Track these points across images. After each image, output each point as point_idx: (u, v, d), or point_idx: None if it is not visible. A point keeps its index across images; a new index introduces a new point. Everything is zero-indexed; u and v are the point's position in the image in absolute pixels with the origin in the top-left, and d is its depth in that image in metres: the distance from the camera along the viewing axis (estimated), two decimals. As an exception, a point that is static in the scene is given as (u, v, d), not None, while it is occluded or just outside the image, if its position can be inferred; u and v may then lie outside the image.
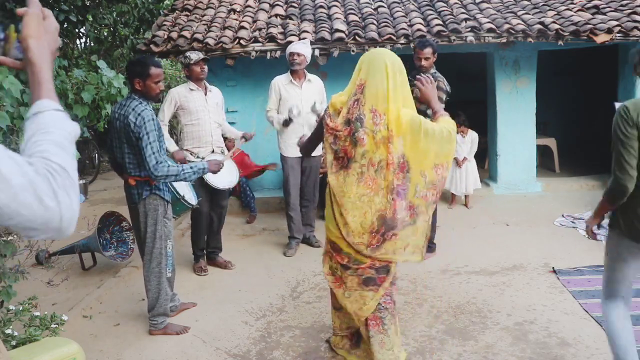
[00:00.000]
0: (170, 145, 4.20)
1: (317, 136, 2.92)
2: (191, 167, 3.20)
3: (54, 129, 0.96)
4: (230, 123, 4.91)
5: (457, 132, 6.11)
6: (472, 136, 6.27)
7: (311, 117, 4.79)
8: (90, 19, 8.40)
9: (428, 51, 4.35)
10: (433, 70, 4.40)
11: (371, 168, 2.52)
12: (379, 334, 2.72)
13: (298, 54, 4.70)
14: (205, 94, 4.36)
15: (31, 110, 0.99)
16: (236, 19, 6.45)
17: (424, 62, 4.36)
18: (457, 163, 6.13)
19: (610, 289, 2.51)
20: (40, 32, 1.06)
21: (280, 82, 4.82)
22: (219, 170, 3.51)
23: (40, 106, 0.99)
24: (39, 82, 1.02)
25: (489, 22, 5.92)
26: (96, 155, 9.59)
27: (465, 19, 6.06)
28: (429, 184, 2.58)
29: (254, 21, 6.34)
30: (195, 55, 4.28)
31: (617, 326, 2.44)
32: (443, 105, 4.33)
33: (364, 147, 2.51)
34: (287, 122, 4.70)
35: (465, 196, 6.25)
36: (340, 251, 2.70)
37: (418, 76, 2.88)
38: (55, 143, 0.94)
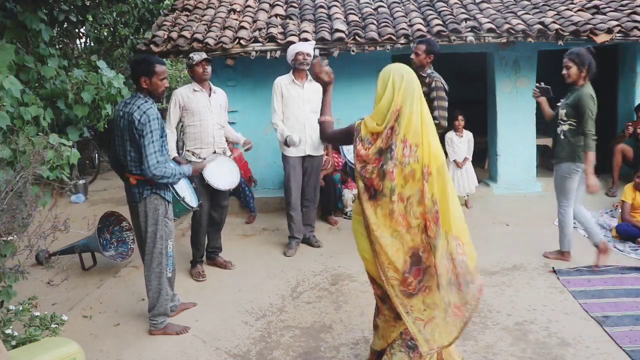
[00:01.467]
0: (171, 150, 4.22)
1: (343, 138, 2.64)
2: (181, 171, 3.32)
3: None
4: (230, 123, 4.91)
5: (454, 132, 6.23)
6: (468, 136, 6.34)
7: (313, 118, 4.80)
8: (90, 19, 8.40)
9: (421, 47, 4.41)
10: (430, 70, 4.42)
11: (401, 204, 2.31)
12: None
13: (308, 54, 4.73)
14: (209, 95, 4.35)
15: None
16: (236, 19, 6.45)
17: (412, 56, 4.44)
18: (457, 164, 6.16)
19: (568, 200, 4.22)
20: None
21: (283, 82, 4.83)
22: (197, 172, 3.71)
23: None
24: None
25: (489, 22, 5.92)
26: (96, 155, 9.59)
27: (465, 19, 6.06)
28: (447, 254, 2.34)
29: (254, 21, 6.34)
30: (197, 56, 4.27)
31: (578, 213, 4.26)
32: (446, 104, 4.35)
33: (394, 181, 2.29)
34: (287, 144, 4.74)
35: (467, 195, 6.26)
36: (374, 282, 2.55)
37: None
38: None
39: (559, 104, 4.27)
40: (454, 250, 2.35)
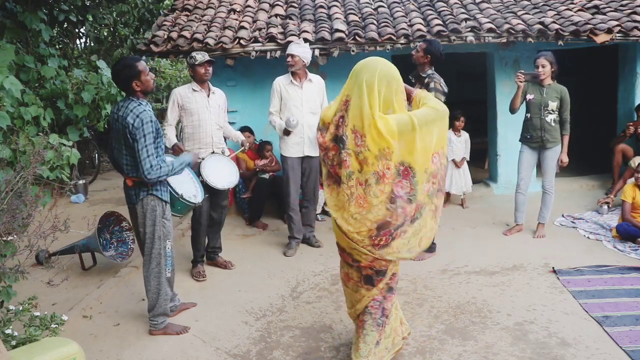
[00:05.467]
0: (171, 139, 4.23)
1: None
2: (180, 163, 3.32)
3: None
4: (230, 123, 4.91)
5: (453, 132, 6.25)
6: (465, 137, 6.38)
7: (311, 119, 4.80)
8: (90, 19, 8.41)
9: (420, 45, 4.46)
10: (430, 71, 4.41)
11: (359, 187, 2.47)
12: (357, 336, 2.75)
13: (292, 56, 4.71)
14: (208, 96, 4.35)
15: None
16: (236, 19, 6.45)
17: (413, 52, 4.50)
18: (456, 164, 6.17)
19: (519, 179, 5.12)
20: None
21: (282, 82, 4.83)
22: (196, 162, 3.74)
23: None
24: None
25: (489, 22, 5.92)
26: (96, 155, 9.59)
27: (465, 19, 6.06)
28: (430, 176, 2.52)
29: (254, 21, 6.34)
30: (200, 57, 4.25)
31: (520, 195, 5.18)
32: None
33: (348, 168, 2.47)
34: (287, 132, 4.73)
35: (463, 194, 6.28)
36: (344, 250, 2.74)
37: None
38: None
39: (531, 98, 4.92)
40: (434, 168, 2.52)
